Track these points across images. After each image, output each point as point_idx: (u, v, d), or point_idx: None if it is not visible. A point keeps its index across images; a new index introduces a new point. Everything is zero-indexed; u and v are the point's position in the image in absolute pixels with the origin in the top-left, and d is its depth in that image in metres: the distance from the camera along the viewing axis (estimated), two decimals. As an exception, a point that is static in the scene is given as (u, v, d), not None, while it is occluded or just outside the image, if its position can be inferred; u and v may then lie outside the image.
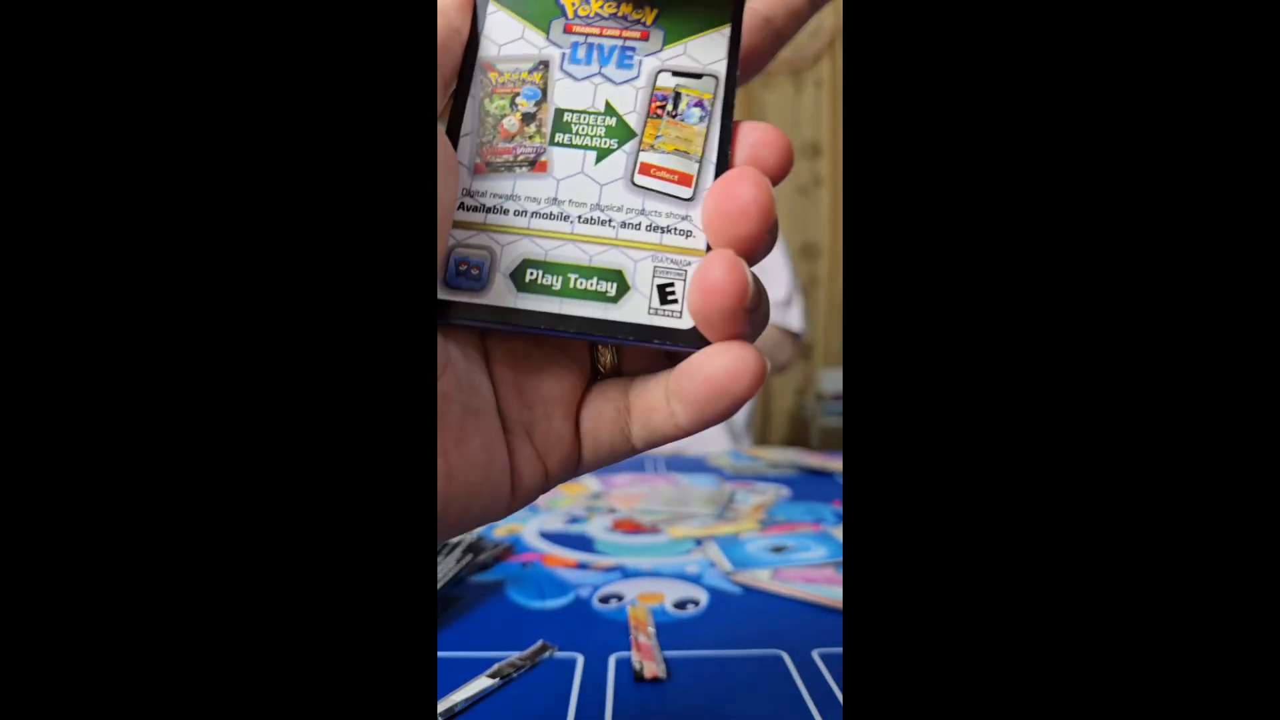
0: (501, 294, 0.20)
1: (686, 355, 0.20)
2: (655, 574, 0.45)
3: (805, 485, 0.67)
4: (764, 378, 0.19)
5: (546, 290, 0.20)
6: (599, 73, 0.21)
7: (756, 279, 0.19)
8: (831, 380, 2.09)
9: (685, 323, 0.20)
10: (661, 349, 0.20)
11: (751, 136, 0.20)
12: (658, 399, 0.20)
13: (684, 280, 0.20)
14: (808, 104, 2.05)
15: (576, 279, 0.20)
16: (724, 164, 0.20)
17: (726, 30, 0.21)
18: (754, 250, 0.19)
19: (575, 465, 0.21)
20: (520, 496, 0.21)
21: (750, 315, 0.18)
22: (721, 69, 0.21)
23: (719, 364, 0.19)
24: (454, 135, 0.20)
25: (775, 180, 0.19)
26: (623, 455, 0.21)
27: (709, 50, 0.21)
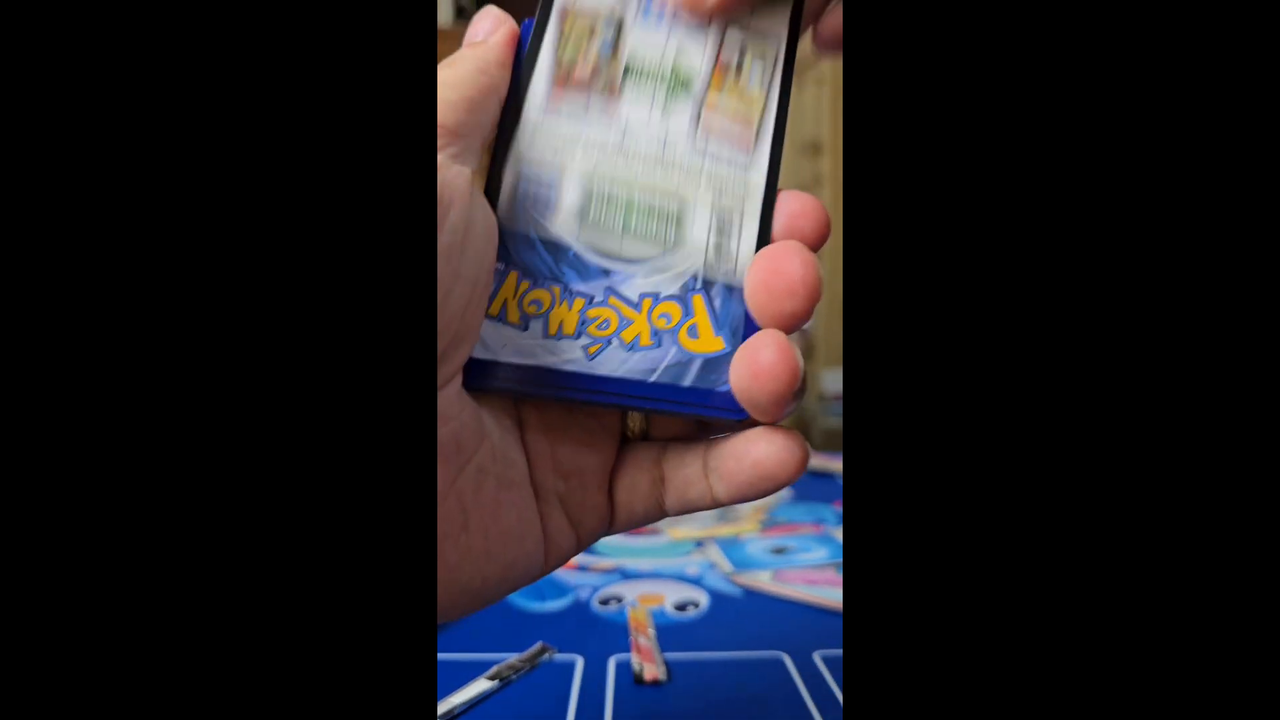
0: (569, 224, 0.20)
1: (720, 421, 0.20)
2: (655, 575, 0.45)
3: (806, 486, 0.67)
4: (807, 463, 0.19)
5: (610, 230, 0.20)
6: (669, 30, 0.21)
7: (801, 360, 0.19)
8: (833, 380, 2.08)
9: (739, 278, 0.20)
10: (699, 417, 0.20)
11: (789, 206, 0.20)
12: (695, 473, 0.20)
13: (738, 232, 0.21)
14: (808, 102, 2.05)
15: (638, 218, 0.20)
16: (779, 138, 0.21)
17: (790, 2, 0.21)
18: (798, 326, 0.19)
19: (606, 530, 0.21)
20: (553, 562, 0.21)
21: (796, 398, 0.18)
22: (782, 40, 0.21)
23: (767, 451, 0.19)
24: (527, 76, 0.21)
25: (814, 251, 0.19)
26: (655, 520, 0.21)
27: (773, 20, 0.21)
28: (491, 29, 0.20)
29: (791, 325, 0.19)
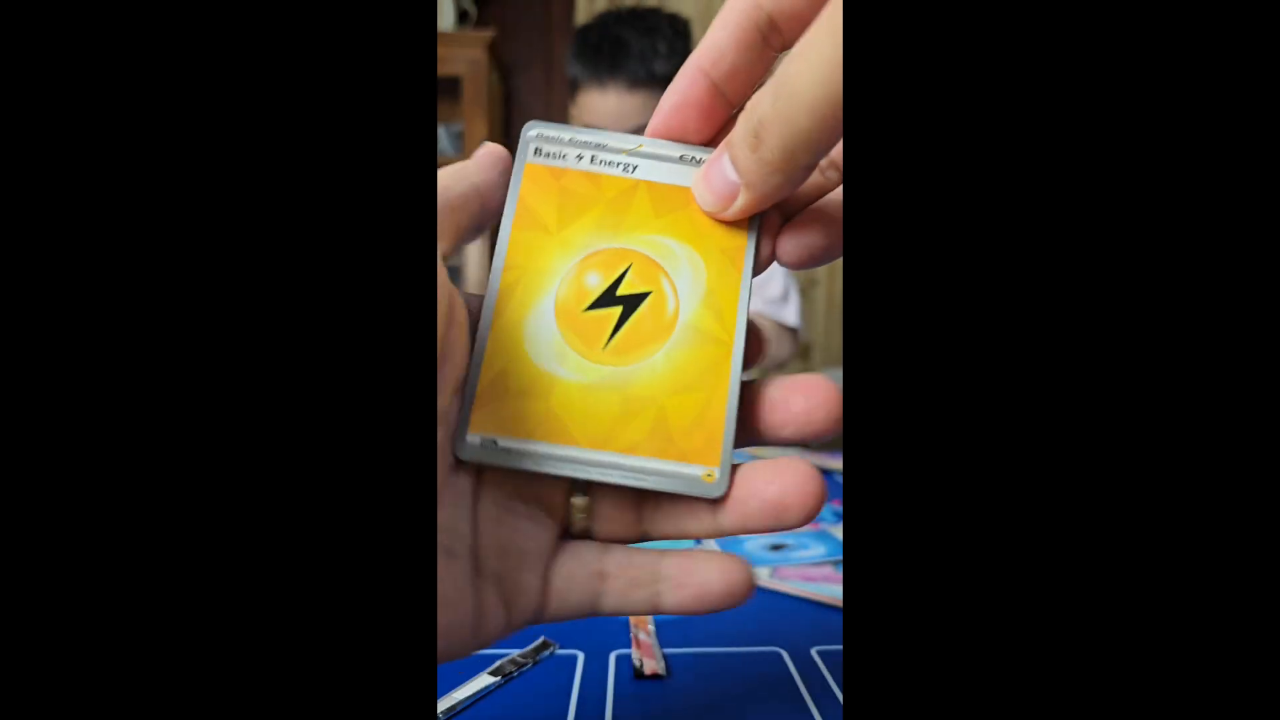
0: None
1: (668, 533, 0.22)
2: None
3: (804, 484, 0.67)
4: (748, 591, 0.21)
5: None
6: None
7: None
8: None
9: None
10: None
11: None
12: (644, 576, 0.21)
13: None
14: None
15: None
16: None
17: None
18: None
19: (538, 616, 0.22)
20: (482, 639, 0.21)
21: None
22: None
23: (713, 572, 0.21)
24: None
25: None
26: (585, 615, 0.22)
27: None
28: (480, 154, 0.22)
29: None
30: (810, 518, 0.20)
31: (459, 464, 0.21)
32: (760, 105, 0.19)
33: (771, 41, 0.21)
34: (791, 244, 0.22)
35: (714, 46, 0.21)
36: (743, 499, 0.21)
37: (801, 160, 0.19)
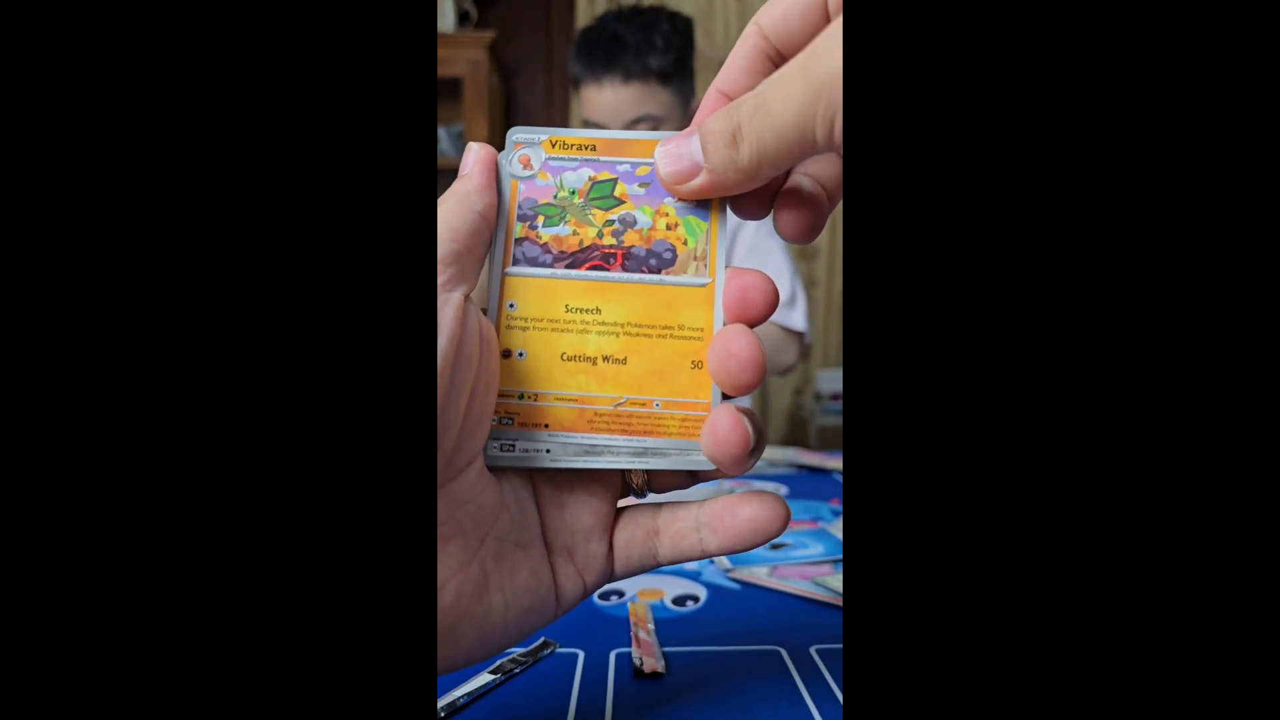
0: None
1: (707, 472, 0.24)
2: (655, 571, 0.45)
3: (803, 484, 0.67)
4: (788, 521, 0.24)
5: None
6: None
7: (757, 424, 0.22)
8: (829, 380, 2.09)
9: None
10: (688, 471, 0.24)
11: (740, 281, 0.23)
12: (688, 527, 0.24)
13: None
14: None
15: None
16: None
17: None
18: (751, 391, 0.23)
19: (608, 577, 0.25)
20: (564, 606, 0.24)
21: (752, 456, 0.22)
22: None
23: (756, 509, 0.23)
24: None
25: (764, 318, 0.23)
26: (649, 569, 0.26)
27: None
28: (470, 162, 0.23)
29: (746, 393, 0.23)
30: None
31: (511, 470, 0.23)
32: (742, 110, 0.20)
33: (779, 64, 0.23)
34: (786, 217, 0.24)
35: (730, 72, 0.23)
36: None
37: (765, 170, 0.21)
